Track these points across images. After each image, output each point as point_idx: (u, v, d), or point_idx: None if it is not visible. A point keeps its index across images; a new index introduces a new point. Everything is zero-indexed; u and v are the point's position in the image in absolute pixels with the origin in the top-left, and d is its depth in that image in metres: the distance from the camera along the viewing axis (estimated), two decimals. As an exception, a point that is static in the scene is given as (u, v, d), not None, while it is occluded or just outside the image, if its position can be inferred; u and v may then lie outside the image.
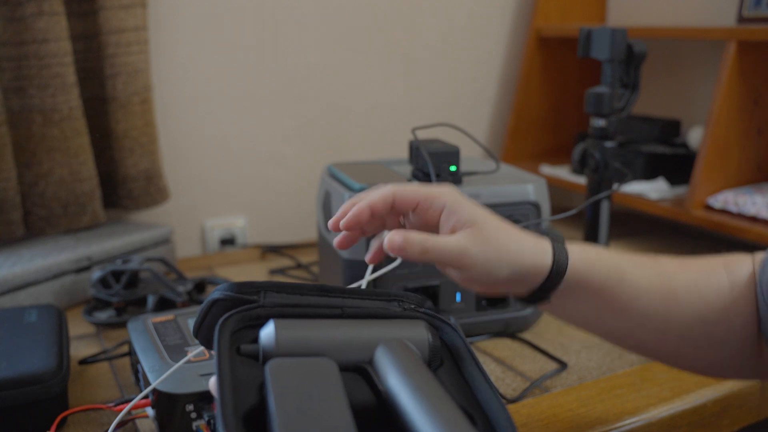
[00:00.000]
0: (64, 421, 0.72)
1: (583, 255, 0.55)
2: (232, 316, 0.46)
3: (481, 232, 0.52)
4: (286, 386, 0.40)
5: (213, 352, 0.49)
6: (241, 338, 0.46)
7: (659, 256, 0.59)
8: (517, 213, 0.91)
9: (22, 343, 0.76)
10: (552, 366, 0.86)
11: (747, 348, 0.56)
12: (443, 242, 0.50)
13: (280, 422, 0.37)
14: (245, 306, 0.47)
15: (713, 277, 0.56)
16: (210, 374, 0.72)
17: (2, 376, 0.69)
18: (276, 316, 0.46)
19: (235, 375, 0.42)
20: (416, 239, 0.49)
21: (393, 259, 0.85)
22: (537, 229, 0.91)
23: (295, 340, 0.45)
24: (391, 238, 0.49)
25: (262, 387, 0.42)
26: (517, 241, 0.53)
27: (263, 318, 0.47)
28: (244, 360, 0.45)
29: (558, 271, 0.54)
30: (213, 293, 0.48)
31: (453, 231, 0.52)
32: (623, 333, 0.57)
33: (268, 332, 0.45)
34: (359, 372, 0.45)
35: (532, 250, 0.54)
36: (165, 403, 0.69)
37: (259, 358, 0.45)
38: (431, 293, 0.88)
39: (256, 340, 0.46)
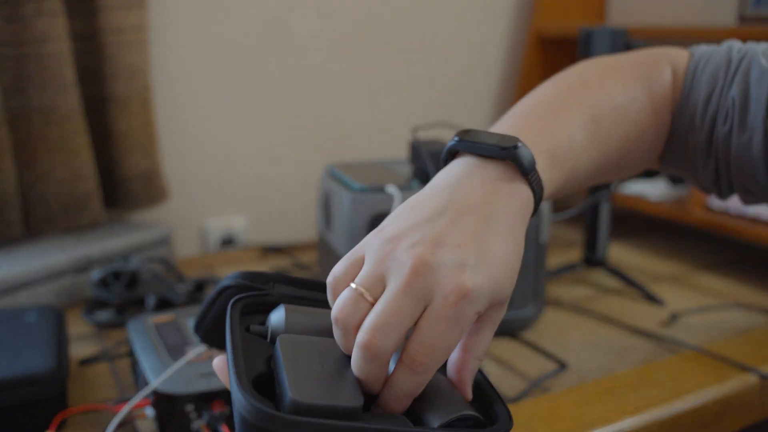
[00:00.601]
0: (63, 421, 0.72)
1: (547, 177, 0.52)
2: (243, 299, 0.47)
3: None
4: (295, 356, 0.41)
5: (214, 351, 0.48)
6: (250, 321, 0.47)
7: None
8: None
9: (22, 343, 0.76)
10: (552, 366, 0.86)
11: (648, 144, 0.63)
12: None
13: (290, 382, 0.38)
14: (255, 292, 0.47)
15: (634, 102, 0.60)
16: (210, 374, 0.72)
17: (1, 377, 0.69)
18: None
19: (245, 345, 0.43)
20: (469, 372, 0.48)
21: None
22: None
23: (303, 325, 0.45)
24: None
25: (269, 360, 0.43)
26: None
27: (272, 306, 0.48)
28: (252, 336, 0.45)
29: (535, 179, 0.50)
30: (224, 280, 0.49)
31: None
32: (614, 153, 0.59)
33: (278, 314, 0.46)
34: None
35: None
36: (165, 403, 0.69)
37: (268, 337, 0.45)
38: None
39: (263, 324, 0.47)
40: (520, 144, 0.46)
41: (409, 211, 0.44)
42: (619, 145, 0.59)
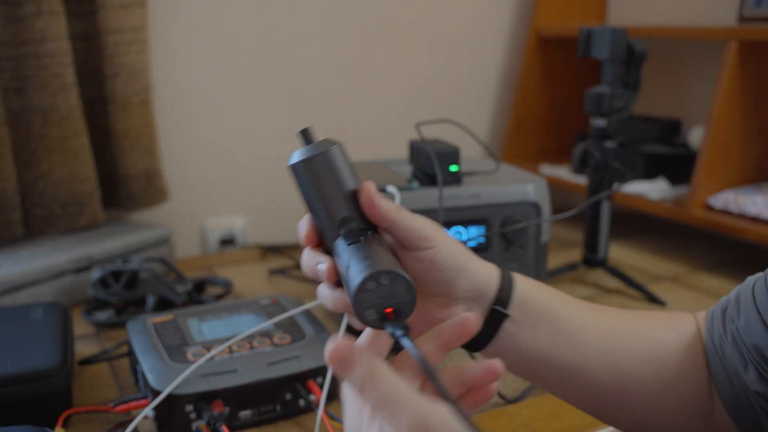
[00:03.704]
0: (67, 419, 0.72)
1: (524, 278, 0.54)
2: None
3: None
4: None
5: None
6: None
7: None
8: (517, 213, 0.91)
9: (28, 340, 0.76)
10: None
11: (698, 403, 0.54)
12: (416, 216, 0.50)
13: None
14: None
15: (656, 324, 0.56)
16: (210, 374, 0.72)
17: (8, 372, 0.69)
18: None
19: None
20: (391, 204, 0.49)
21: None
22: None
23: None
24: (367, 189, 0.49)
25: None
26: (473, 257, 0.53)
27: None
28: None
29: (506, 281, 0.53)
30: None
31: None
32: (578, 367, 0.53)
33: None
34: None
35: (481, 263, 0.53)
36: (164, 403, 0.69)
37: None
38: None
39: None
40: None
41: None
42: (631, 327, 0.54)
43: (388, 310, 0.44)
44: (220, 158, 1.34)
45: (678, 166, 1.33)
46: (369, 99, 1.45)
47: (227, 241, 1.36)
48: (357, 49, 1.42)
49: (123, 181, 1.19)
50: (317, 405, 0.73)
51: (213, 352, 0.74)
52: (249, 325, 0.81)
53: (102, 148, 1.19)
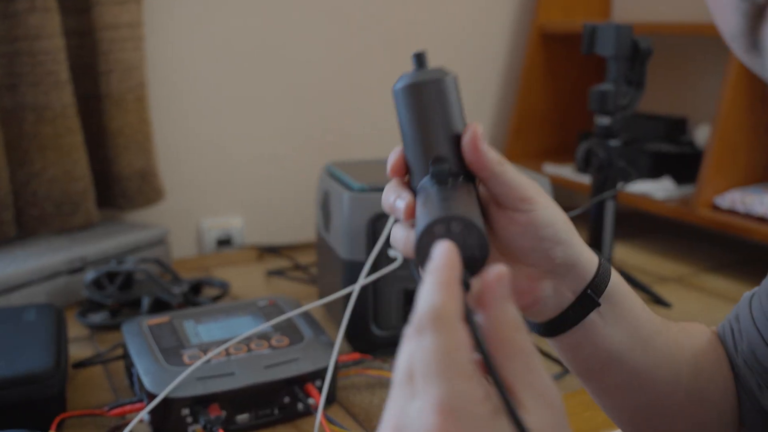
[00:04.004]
0: (61, 423, 0.72)
1: (615, 271, 0.51)
2: None
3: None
4: None
5: None
6: None
7: None
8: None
9: (20, 342, 0.76)
10: (555, 369, 0.86)
11: (730, 421, 0.54)
12: (520, 174, 0.47)
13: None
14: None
15: (696, 338, 0.55)
16: (206, 377, 0.71)
17: (0, 375, 0.69)
18: None
19: None
20: (496, 154, 0.45)
21: (392, 260, 0.85)
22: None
23: None
24: (473, 132, 0.44)
25: None
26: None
27: None
28: None
29: (605, 269, 0.49)
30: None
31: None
32: (647, 372, 0.51)
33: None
34: None
35: (583, 243, 0.49)
36: (160, 407, 0.69)
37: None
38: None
39: None
40: None
41: None
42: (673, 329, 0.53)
43: None
44: (217, 157, 1.34)
45: (684, 165, 1.33)
46: (368, 97, 1.45)
47: (224, 242, 1.36)
48: (356, 46, 1.42)
49: (118, 180, 1.18)
50: (316, 408, 0.73)
51: (209, 354, 0.74)
52: (246, 327, 0.81)
53: (96, 147, 1.19)
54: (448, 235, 0.38)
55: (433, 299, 0.34)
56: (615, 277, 0.50)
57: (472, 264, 0.39)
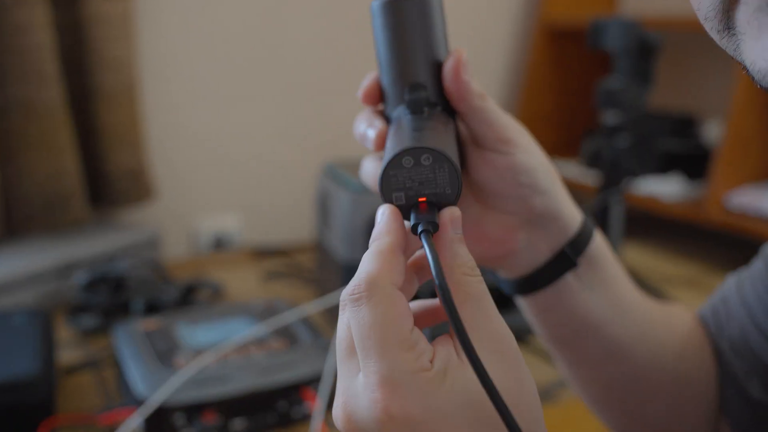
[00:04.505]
0: (50, 429, 0.72)
1: (599, 235, 0.50)
2: None
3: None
4: None
5: None
6: None
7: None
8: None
9: (8, 347, 0.76)
10: (552, 374, 0.85)
11: (706, 406, 0.53)
12: (503, 112, 0.45)
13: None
14: None
15: (678, 317, 0.54)
16: (201, 382, 0.71)
17: (-14, 382, 0.69)
18: None
19: None
20: (478, 87, 0.44)
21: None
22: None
23: None
24: (462, 59, 0.43)
25: None
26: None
27: None
28: None
29: (588, 229, 0.47)
30: None
31: None
32: (622, 345, 0.50)
33: None
34: None
35: (567, 196, 0.47)
36: (153, 413, 0.69)
37: None
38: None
39: None
40: None
41: None
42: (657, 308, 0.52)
43: (422, 199, 0.36)
44: (212, 154, 1.34)
45: (693, 163, 1.33)
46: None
47: (219, 242, 1.36)
48: (357, 38, 1.42)
49: (109, 179, 1.18)
50: (313, 414, 0.73)
51: (204, 359, 0.74)
52: (242, 330, 0.81)
53: (86, 144, 1.18)
54: (416, 168, 0.36)
55: (369, 268, 0.33)
56: (599, 241, 0.48)
57: (442, 199, 0.36)
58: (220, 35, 1.30)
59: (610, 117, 1.08)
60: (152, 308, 1.00)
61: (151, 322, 0.83)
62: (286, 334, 0.81)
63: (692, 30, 1.45)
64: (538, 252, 0.46)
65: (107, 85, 1.14)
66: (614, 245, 1.13)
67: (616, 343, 0.49)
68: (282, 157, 1.40)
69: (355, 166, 0.99)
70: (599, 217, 1.13)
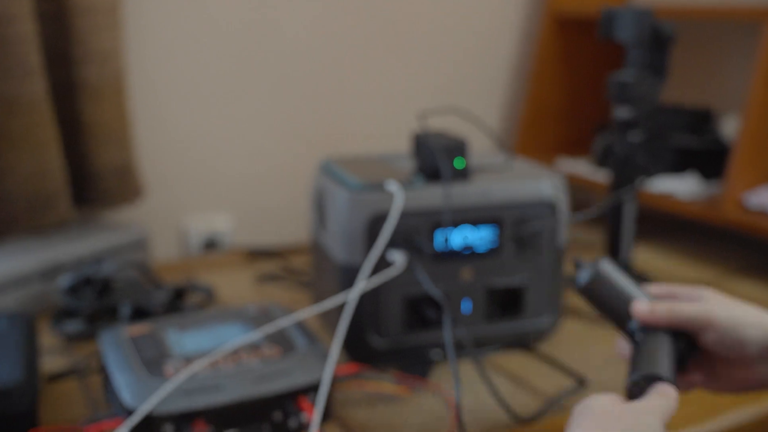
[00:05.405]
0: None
1: None
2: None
3: (722, 297, 0.65)
4: None
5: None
6: None
7: None
8: (530, 213, 0.91)
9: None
10: (570, 382, 0.86)
11: None
12: (688, 304, 0.63)
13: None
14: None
15: None
16: (191, 390, 0.71)
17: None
18: None
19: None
20: (662, 304, 0.64)
21: (391, 265, 0.85)
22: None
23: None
24: (638, 306, 0.65)
25: None
26: (754, 308, 0.64)
27: None
28: None
29: None
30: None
31: None
32: None
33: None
34: None
35: (760, 313, 0.63)
36: (140, 423, 0.69)
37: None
38: (436, 302, 0.88)
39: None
40: None
41: None
42: None
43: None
44: (203, 151, 1.34)
45: (710, 159, 1.33)
46: (368, 87, 1.45)
47: (210, 244, 1.36)
48: (355, 30, 1.42)
49: (95, 177, 1.19)
50: (310, 425, 0.73)
51: (195, 366, 0.74)
52: (234, 336, 0.81)
53: (71, 141, 1.19)
54: (643, 383, 0.61)
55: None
56: None
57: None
58: (212, 28, 1.30)
59: (622, 111, 1.08)
60: (140, 313, 1.00)
61: (139, 328, 0.83)
62: (280, 340, 0.81)
63: (708, 19, 1.45)
64: None
65: (93, 78, 1.14)
66: (626, 246, 1.14)
67: None
68: (276, 155, 1.40)
69: (353, 164, 1.00)
70: (611, 216, 1.13)
